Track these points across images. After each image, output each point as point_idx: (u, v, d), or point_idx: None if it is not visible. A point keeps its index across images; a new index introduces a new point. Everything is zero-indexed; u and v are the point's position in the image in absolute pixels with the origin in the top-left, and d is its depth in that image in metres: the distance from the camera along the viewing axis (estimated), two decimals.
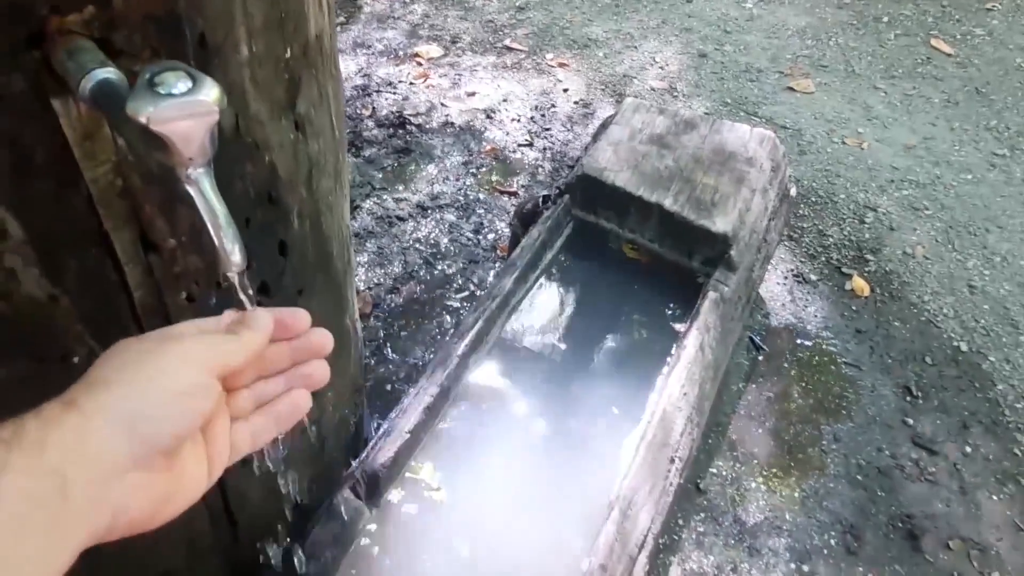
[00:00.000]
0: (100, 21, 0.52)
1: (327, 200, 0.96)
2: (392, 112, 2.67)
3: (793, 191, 1.96)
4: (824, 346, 1.97)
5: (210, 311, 0.76)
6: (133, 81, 0.46)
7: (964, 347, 1.97)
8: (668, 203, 1.63)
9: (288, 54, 0.74)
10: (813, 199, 2.39)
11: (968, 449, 1.76)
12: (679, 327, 1.59)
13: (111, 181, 0.58)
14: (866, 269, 2.17)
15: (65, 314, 0.63)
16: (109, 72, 0.48)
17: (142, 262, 0.65)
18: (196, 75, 0.44)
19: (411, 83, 2.82)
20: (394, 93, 2.77)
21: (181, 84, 0.43)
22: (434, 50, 3.02)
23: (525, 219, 1.79)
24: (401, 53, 2.99)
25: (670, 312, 1.66)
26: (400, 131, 2.59)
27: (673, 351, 1.50)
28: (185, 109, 0.42)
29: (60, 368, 0.66)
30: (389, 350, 1.87)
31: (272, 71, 0.73)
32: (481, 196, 2.34)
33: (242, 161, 0.73)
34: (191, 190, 0.46)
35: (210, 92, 0.43)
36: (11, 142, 0.52)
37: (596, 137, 1.84)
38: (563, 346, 1.56)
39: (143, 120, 0.41)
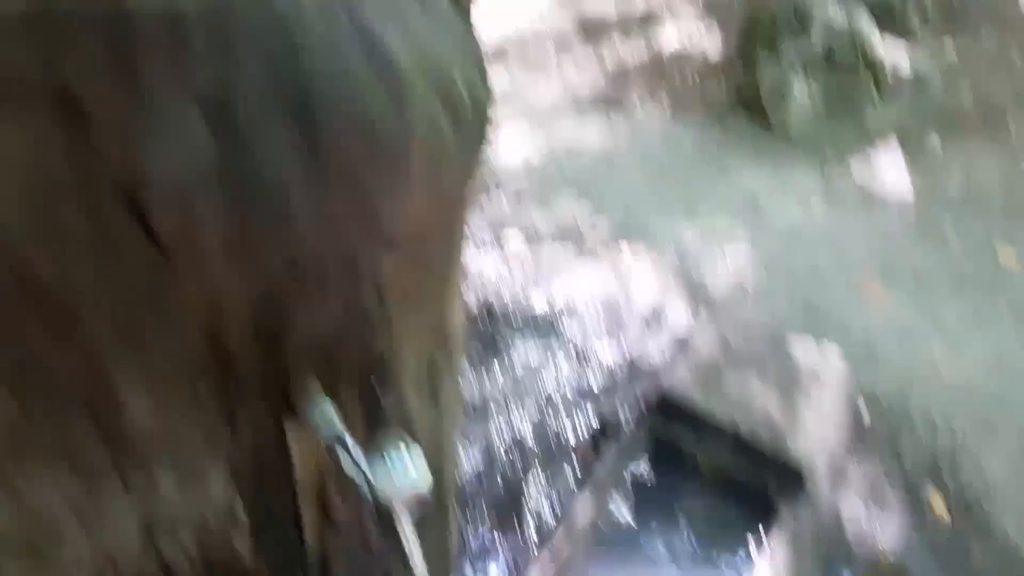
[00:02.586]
0: (327, 377, 0.71)
1: (449, 443, 1.13)
2: (477, 303, 2.91)
3: (864, 409, 2.04)
4: (902, 566, 1.96)
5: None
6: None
7: None
8: (743, 427, 1.74)
9: (436, 357, 0.94)
10: (886, 413, 2.44)
11: None
12: (753, 548, 1.65)
13: (312, 481, 0.76)
14: (942, 487, 2.18)
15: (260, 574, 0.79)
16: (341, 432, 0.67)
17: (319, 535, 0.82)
18: (417, 463, 0.62)
19: (496, 275, 3.09)
20: (480, 284, 3.02)
21: (411, 467, 0.61)
22: (518, 242, 3.31)
23: (604, 429, 1.93)
24: (488, 243, 3.28)
25: (744, 531, 1.72)
26: (485, 323, 2.81)
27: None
28: (409, 488, 0.60)
29: None
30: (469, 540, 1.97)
31: (425, 371, 0.92)
32: (561, 395, 2.49)
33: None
34: (396, 523, 0.63)
35: (425, 480, 0.61)
36: (254, 456, 0.71)
37: (674, 357, 1.99)
38: (640, 566, 1.64)
39: (386, 500, 0.59)
